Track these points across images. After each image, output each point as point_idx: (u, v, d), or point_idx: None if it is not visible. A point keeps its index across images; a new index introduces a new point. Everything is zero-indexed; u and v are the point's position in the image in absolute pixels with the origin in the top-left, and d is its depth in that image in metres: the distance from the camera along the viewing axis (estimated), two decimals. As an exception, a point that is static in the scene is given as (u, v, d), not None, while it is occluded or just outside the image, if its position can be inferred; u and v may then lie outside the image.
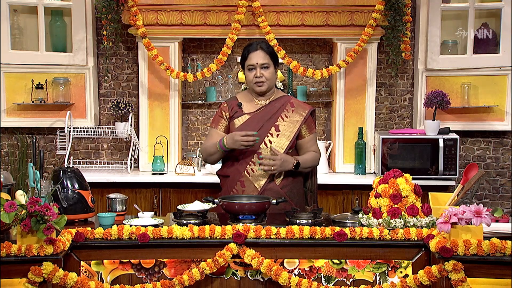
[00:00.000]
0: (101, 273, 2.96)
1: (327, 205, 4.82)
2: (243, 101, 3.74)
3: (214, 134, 3.75)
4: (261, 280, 2.96)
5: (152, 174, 4.98)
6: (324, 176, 5.01)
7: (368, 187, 3.58)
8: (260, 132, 3.63)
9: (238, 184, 3.65)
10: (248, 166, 3.64)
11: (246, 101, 3.74)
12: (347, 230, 2.89)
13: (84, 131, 5.15)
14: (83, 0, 5.06)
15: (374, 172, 5.08)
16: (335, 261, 2.96)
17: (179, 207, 3.32)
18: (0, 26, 4.99)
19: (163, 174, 4.97)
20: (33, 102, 5.09)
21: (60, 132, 5.10)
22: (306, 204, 3.78)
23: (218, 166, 4.19)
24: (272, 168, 3.55)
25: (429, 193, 3.46)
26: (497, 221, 3.13)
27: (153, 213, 3.39)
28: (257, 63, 3.62)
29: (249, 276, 2.97)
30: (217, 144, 3.62)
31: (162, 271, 2.98)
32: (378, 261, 2.95)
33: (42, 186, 3.14)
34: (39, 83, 5.08)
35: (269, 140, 3.65)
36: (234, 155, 3.66)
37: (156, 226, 3.04)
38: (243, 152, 3.63)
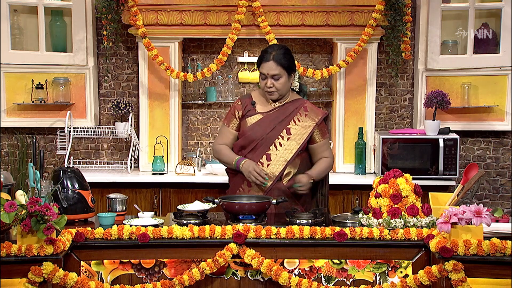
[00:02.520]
0: (101, 273, 2.96)
1: (327, 205, 4.82)
2: (258, 99, 3.75)
3: (226, 132, 3.77)
4: (261, 280, 2.96)
5: (152, 174, 4.98)
6: (324, 176, 5.00)
7: (368, 187, 3.57)
8: (272, 133, 3.65)
9: (245, 183, 3.66)
10: None
11: (260, 100, 3.75)
12: (347, 230, 2.89)
13: (84, 131, 5.15)
14: (83, 0, 5.06)
15: (374, 172, 5.08)
16: (335, 261, 2.96)
17: (179, 207, 3.32)
18: (0, 26, 4.99)
19: (163, 174, 4.97)
20: (33, 102, 5.09)
21: (60, 132, 5.10)
22: (316, 206, 3.78)
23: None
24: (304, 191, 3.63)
25: (429, 193, 3.46)
26: (497, 221, 3.13)
27: (153, 213, 3.39)
28: (268, 74, 3.62)
29: (249, 276, 2.97)
30: (234, 161, 3.64)
31: (162, 271, 2.98)
32: (378, 261, 2.95)
33: (42, 186, 3.14)
34: (39, 83, 5.08)
35: (279, 143, 3.65)
36: (243, 154, 3.67)
37: (156, 226, 3.04)
38: (253, 152, 3.65)
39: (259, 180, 3.56)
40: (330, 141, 5.19)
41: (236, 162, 3.63)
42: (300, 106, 3.72)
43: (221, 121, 3.88)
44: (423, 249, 2.87)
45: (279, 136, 3.66)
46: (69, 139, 5.07)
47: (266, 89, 3.65)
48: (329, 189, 3.91)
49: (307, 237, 2.89)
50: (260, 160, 3.64)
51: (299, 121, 3.69)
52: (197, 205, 3.35)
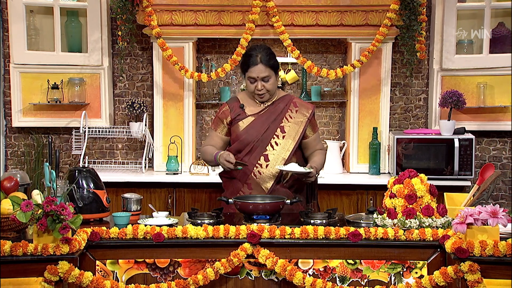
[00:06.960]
0: (116, 273, 2.97)
1: (341, 205, 4.80)
2: (245, 102, 3.72)
3: (214, 136, 3.77)
4: (275, 280, 2.96)
5: (166, 174, 5.00)
6: (338, 176, 4.99)
7: (383, 187, 3.56)
8: (266, 134, 3.64)
9: (245, 187, 3.65)
10: (255, 168, 3.63)
11: (248, 102, 3.72)
12: (361, 231, 2.88)
13: (99, 131, 5.18)
14: (99, 1, 5.09)
15: (389, 172, 5.06)
16: (350, 261, 2.95)
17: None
18: (3, 27, 5.04)
19: (178, 174, 4.99)
20: (48, 102, 5.13)
21: (75, 132, 5.13)
22: (306, 201, 3.79)
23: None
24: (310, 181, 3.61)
25: (445, 193, 3.45)
26: (513, 222, 3.10)
27: (167, 212, 3.40)
28: (258, 77, 3.60)
29: (263, 276, 2.98)
30: (213, 155, 3.62)
31: (176, 271, 2.99)
32: (393, 261, 2.94)
33: (58, 186, 3.16)
34: (55, 83, 5.11)
35: (275, 142, 3.65)
36: (240, 158, 3.65)
37: (170, 225, 3.05)
38: (250, 154, 3.64)
39: (231, 167, 3.51)
40: (344, 141, 5.20)
41: (214, 155, 3.60)
42: (290, 102, 3.71)
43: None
44: (439, 249, 2.86)
45: (274, 136, 3.65)
46: (84, 139, 5.10)
47: (257, 92, 3.62)
48: (317, 185, 3.91)
49: (321, 237, 2.89)
50: (258, 161, 3.63)
51: (291, 117, 3.68)
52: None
